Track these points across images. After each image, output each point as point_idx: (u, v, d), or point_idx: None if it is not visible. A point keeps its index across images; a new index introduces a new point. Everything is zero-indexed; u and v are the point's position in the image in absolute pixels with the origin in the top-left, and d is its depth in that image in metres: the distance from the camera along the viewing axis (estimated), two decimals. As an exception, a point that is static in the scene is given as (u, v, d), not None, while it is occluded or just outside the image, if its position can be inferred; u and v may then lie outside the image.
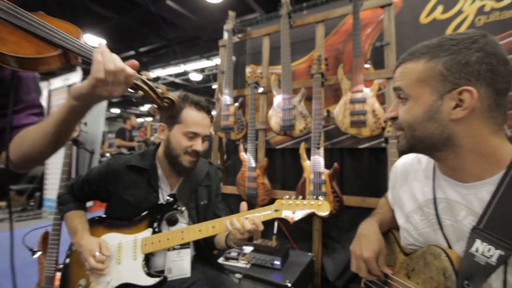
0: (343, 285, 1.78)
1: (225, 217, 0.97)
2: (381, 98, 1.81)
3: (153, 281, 0.96)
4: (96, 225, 1.06)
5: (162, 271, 1.04)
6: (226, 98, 2.26)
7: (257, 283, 1.54)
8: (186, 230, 0.98)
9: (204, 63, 6.91)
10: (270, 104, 2.10)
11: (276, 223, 1.75)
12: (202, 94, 9.85)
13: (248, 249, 1.80)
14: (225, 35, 2.51)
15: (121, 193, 1.05)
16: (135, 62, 0.62)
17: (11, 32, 0.53)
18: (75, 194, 1.11)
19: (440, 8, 1.82)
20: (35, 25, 0.54)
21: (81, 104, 0.59)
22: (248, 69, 2.51)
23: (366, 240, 0.78)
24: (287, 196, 0.96)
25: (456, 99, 0.56)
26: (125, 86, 0.60)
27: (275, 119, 2.00)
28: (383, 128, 1.64)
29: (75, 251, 1.05)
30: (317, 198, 0.93)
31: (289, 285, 1.45)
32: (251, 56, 2.55)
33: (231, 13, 2.34)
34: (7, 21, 0.52)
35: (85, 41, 0.62)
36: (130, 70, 0.59)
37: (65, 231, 1.11)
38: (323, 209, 0.91)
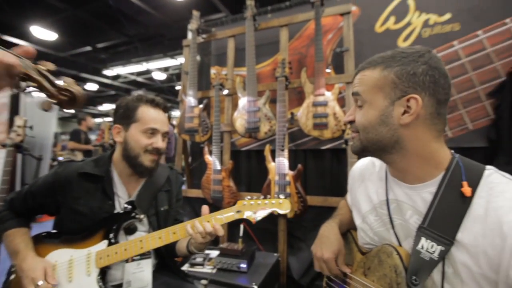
0: (307, 282, 1.83)
1: (186, 222, 0.94)
2: (341, 101, 1.90)
3: (107, 296, 0.90)
4: (43, 241, 0.96)
5: (121, 285, 0.98)
6: (190, 99, 2.20)
7: (224, 287, 1.52)
8: (145, 238, 0.93)
9: (168, 62, 6.68)
10: (235, 106, 2.09)
11: (242, 226, 1.75)
12: (166, 93, 9.54)
13: (214, 253, 1.77)
14: (189, 35, 2.44)
15: (72, 204, 0.97)
16: (29, 49, 0.54)
17: None
18: (16, 210, 0.99)
19: (392, 19, 1.95)
20: None
21: None
22: (213, 70, 2.48)
23: (327, 241, 0.81)
24: (249, 197, 0.95)
25: (404, 106, 0.61)
26: (9, 78, 0.51)
27: (240, 121, 1.99)
28: (343, 130, 1.72)
29: (17, 275, 0.93)
30: (278, 197, 0.94)
31: (256, 287, 1.45)
32: (216, 57, 2.52)
33: (195, 13, 2.29)
34: None
35: None
36: (10, 60, 0.50)
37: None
38: (284, 207, 0.92)
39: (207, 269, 1.63)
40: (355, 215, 0.81)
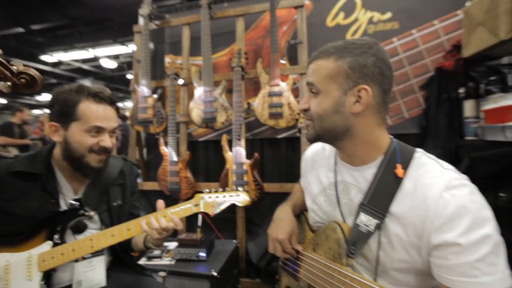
0: (265, 265, 1.92)
1: (141, 217, 0.90)
2: (296, 91, 1.98)
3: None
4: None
5: (70, 286, 0.92)
6: (143, 89, 2.10)
7: (183, 277, 1.52)
8: (96, 237, 0.88)
9: (118, 49, 6.20)
10: (191, 96, 2.06)
11: (200, 216, 1.75)
12: (116, 83, 8.88)
13: (172, 245, 1.76)
14: (141, 21, 2.31)
15: (4, 206, 0.87)
16: None
17: None
18: None
19: (342, 14, 2.08)
20: None
21: None
22: (167, 59, 2.39)
23: (281, 223, 0.86)
24: (207, 190, 0.96)
25: (356, 96, 0.66)
26: None
27: (196, 111, 1.97)
28: (297, 120, 1.81)
29: None
30: (236, 189, 0.96)
31: (215, 274, 1.48)
32: (171, 45, 2.42)
33: (146, -3, 2.17)
34: None
35: None
36: None
37: None
38: (242, 199, 0.95)
39: (166, 261, 1.61)
40: (307, 197, 0.88)
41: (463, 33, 1.68)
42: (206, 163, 2.33)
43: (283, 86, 1.85)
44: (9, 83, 0.60)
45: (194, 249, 1.62)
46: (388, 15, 1.99)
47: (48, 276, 0.87)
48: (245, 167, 1.84)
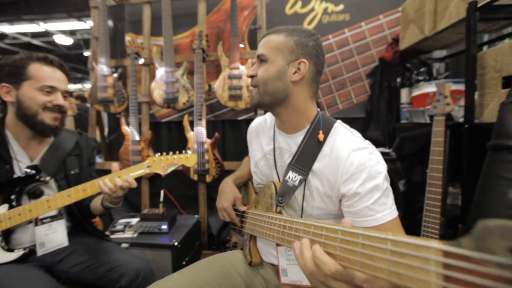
0: (225, 236, 2.06)
1: (97, 179, 0.97)
2: (255, 76, 2.10)
3: (14, 255, 0.90)
4: None
5: (33, 248, 0.97)
6: (102, 67, 2.07)
7: (145, 248, 1.62)
8: (53, 197, 0.94)
9: (74, 24, 5.75)
10: (152, 76, 2.08)
11: (162, 192, 1.84)
12: (73, 62, 8.25)
13: (134, 220, 1.83)
14: (97, -5, 2.23)
15: None
16: None
17: None
18: None
19: (299, 3, 2.20)
20: None
21: None
22: (127, 38, 2.35)
23: (223, 194, 1.00)
24: (159, 154, 1.04)
25: (296, 67, 0.79)
26: None
27: (158, 91, 2.00)
28: (255, 102, 1.93)
29: None
30: (186, 152, 1.06)
31: (176, 243, 1.60)
32: (131, 24, 2.38)
33: (103, -29, 2.09)
34: None
35: None
36: None
37: None
38: (190, 161, 1.04)
39: (128, 234, 1.69)
40: (251, 163, 1.01)
41: (400, 28, 1.90)
42: (169, 143, 2.39)
43: (243, 69, 1.95)
44: None
45: (156, 222, 1.71)
46: (340, 7, 2.16)
47: (6, 237, 0.92)
48: (206, 146, 1.94)
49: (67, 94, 1.02)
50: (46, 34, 6.27)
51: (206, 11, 2.12)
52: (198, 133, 1.92)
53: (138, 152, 2.02)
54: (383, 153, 1.93)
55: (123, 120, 2.07)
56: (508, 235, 0.23)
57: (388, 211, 0.71)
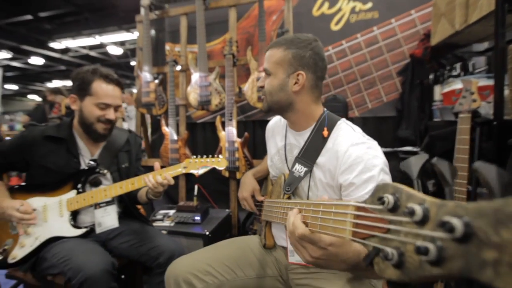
0: (241, 224, 2.18)
1: (143, 175, 1.16)
2: (283, 77, 2.18)
3: (80, 231, 1.12)
4: (18, 192, 1.14)
5: (92, 227, 1.19)
6: (145, 75, 2.33)
7: (181, 236, 1.80)
8: (109, 188, 1.15)
9: (123, 36, 6.38)
10: (189, 81, 2.27)
11: (196, 186, 2.02)
12: (123, 69, 9.08)
13: (172, 211, 2.03)
14: (142, 11, 2.50)
15: (39, 162, 1.14)
16: None
17: None
18: None
19: (326, 4, 2.24)
20: None
21: None
22: (167, 47, 2.60)
23: (244, 186, 1.13)
24: (194, 156, 1.20)
25: (295, 78, 0.88)
26: None
27: (193, 95, 2.19)
28: (282, 103, 2.02)
29: None
30: (217, 156, 1.20)
31: (207, 233, 1.76)
32: (170, 34, 2.62)
33: (147, -11, 2.35)
34: None
35: None
36: None
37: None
38: (221, 164, 1.19)
39: (166, 223, 1.89)
40: (268, 158, 1.11)
41: (432, 23, 1.85)
42: (204, 142, 2.58)
43: (270, 72, 2.04)
44: None
45: (190, 213, 1.89)
46: (369, 5, 2.15)
47: (74, 216, 1.15)
48: (236, 145, 2.08)
49: (119, 107, 1.22)
50: (101, 45, 7.03)
51: (237, 18, 2.26)
52: (229, 133, 2.07)
53: (176, 150, 2.24)
54: (410, 152, 1.93)
55: (163, 122, 2.30)
56: (384, 190, 0.31)
57: None
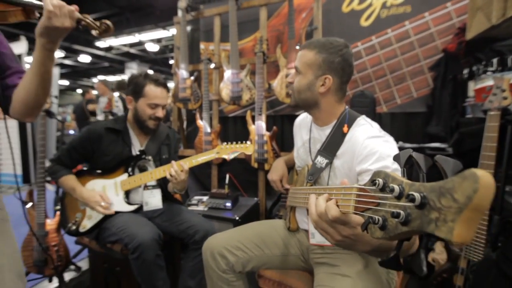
0: (269, 210, 2.30)
1: (179, 160, 1.33)
2: (311, 73, 2.25)
3: (132, 207, 1.33)
4: (82, 175, 1.38)
5: (141, 206, 1.41)
6: (182, 72, 2.53)
7: (213, 220, 1.98)
8: (153, 171, 1.35)
9: (160, 33, 6.76)
10: (221, 78, 2.43)
11: (227, 176, 2.18)
12: (159, 65, 9.60)
13: (205, 198, 2.23)
14: (179, 13, 2.69)
15: (104, 150, 1.37)
16: (75, 6, 0.82)
17: None
18: (63, 163, 1.39)
19: (356, 0, 2.25)
20: None
21: (47, 39, 0.78)
22: (201, 46, 2.78)
23: (274, 169, 1.24)
24: (225, 143, 1.35)
25: (322, 81, 0.97)
26: (71, 20, 0.79)
27: (225, 91, 2.35)
28: (309, 98, 2.10)
29: (65, 197, 1.38)
30: (245, 142, 1.33)
31: (237, 218, 1.92)
32: (204, 33, 2.79)
33: (184, -8, 2.53)
34: None
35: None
36: (70, 7, 0.79)
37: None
38: (249, 149, 1.32)
39: (200, 208, 2.09)
40: (294, 150, 1.22)
41: (467, 16, 1.80)
42: (234, 134, 2.74)
43: (299, 69, 2.13)
44: (97, 31, 0.86)
45: (222, 200, 2.06)
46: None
47: (127, 195, 1.36)
48: (265, 138, 2.21)
49: (165, 106, 1.41)
50: (139, 43, 7.50)
51: (267, 17, 2.36)
52: (258, 127, 2.20)
53: (209, 142, 2.42)
54: (438, 149, 1.96)
55: (197, 115, 2.50)
56: (378, 175, 0.41)
57: None
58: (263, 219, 2.37)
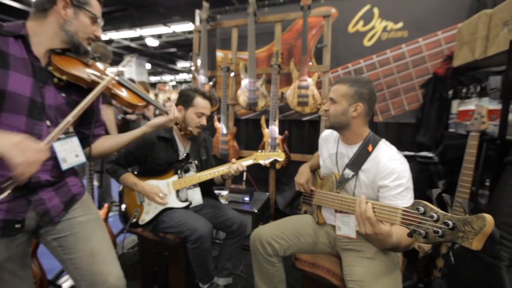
0: (288, 210, 2.64)
1: (225, 164, 1.59)
2: (319, 84, 2.55)
3: (184, 204, 1.59)
4: (138, 176, 1.61)
5: (186, 201, 1.66)
6: (201, 77, 2.77)
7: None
8: (202, 174, 1.59)
9: (161, 29, 6.84)
10: (237, 83, 2.70)
11: (245, 174, 2.47)
12: (158, 59, 9.61)
13: (224, 192, 2.51)
14: (197, 21, 2.91)
15: (156, 156, 1.60)
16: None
17: (131, 93, 1.11)
18: (121, 164, 1.61)
19: (361, 22, 2.56)
20: (139, 91, 1.13)
21: (152, 130, 1.17)
22: (219, 53, 3.02)
23: (301, 174, 1.53)
24: (260, 150, 1.63)
25: (354, 108, 1.24)
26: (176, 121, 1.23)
27: (243, 97, 2.62)
28: (318, 108, 2.41)
29: (124, 192, 1.65)
30: (277, 150, 1.63)
31: (256, 211, 2.22)
32: (221, 41, 3.03)
33: (205, 4, 2.75)
34: (131, 90, 1.11)
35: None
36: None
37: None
38: (281, 156, 1.61)
39: (222, 201, 2.36)
40: (320, 160, 1.52)
41: (455, 46, 2.15)
42: (246, 135, 3.03)
43: (310, 81, 2.43)
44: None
45: (240, 195, 2.36)
46: (400, 24, 2.45)
47: (177, 193, 1.62)
48: (277, 140, 2.50)
49: (208, 116, 1.64)
50: (140, 38, 7.53)
51: (281, 31, 2.63)
52: (272, 131, 2.49)
53: (225, 142, 2.69)
54: (426, 157, 2.37)
55: (215, 118, 2.75)
56: (419, 204, 0.74)
57: (405, 201, 1.13)
58: (272, 212, 2.69)
